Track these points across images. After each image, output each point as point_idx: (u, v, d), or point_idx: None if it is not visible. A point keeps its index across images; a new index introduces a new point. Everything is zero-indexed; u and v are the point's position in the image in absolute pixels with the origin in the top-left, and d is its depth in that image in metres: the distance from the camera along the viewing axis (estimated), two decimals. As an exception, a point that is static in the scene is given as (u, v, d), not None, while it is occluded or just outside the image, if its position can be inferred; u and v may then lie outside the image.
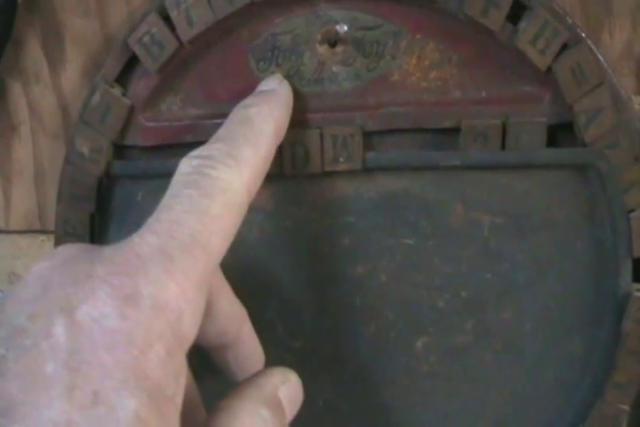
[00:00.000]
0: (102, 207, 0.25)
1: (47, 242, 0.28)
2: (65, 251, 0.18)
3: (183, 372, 0.16)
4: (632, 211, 0.23)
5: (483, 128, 0.23)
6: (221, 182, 0.18)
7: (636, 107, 0.24)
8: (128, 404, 0.14)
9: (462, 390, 0.26)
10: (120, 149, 0.25)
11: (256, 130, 0.20)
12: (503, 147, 0.23)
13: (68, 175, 0.25)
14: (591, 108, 0.22)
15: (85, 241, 0.26)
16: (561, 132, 0.23)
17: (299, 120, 0.23)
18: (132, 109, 0.24)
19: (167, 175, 0.24)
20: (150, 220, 0.18)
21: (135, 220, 0.26)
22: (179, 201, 0.18)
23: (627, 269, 0.24)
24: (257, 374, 0.20)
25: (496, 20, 0.22)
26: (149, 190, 0.25)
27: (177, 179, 0.19)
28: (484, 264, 0.24)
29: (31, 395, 0.14)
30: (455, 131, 0.23)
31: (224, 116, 0.24)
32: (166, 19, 0.23)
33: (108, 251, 0.17)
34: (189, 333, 0.17)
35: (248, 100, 0.22)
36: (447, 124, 0.23)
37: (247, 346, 0.21)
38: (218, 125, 0.24)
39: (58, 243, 0.26)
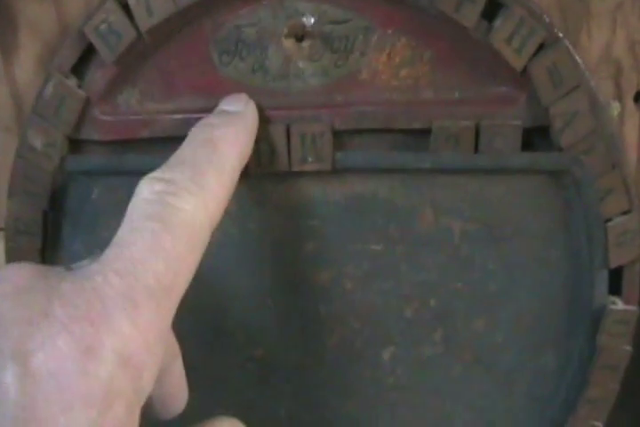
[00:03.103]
0: (56, 204, 0.24)
1: (-1, 240, 0.27)
2: (17, 275, 0.16)
3: (137, 425, 0.15)
4: (609, 220, 0.22)
5: (455, 130, 0.22)
6: (185, 215, 0.17)
7: (614, 112, 0.23)
8: None
9: (430, 403, 0.25)
10: (75, 144, 0.23)
11: (220, 155, 0.19)
12: (476, 150, 0.22)
13: (20, 170, 0.24)
14: (567, 111, 0.21)
15: (38, 239, 0.24)
16: (537, 136, 0.22)
17: (263, 116, 0.22)
18: (87, 102, 0.23)
19: (123, 172, 0.24)
20: (110, 254, 0.16)
21: (90, 218, 0.25)
22: (141, 236, 0.17)
23: (602, 281, 0.23)
24: (205, 425, 0.19)
25: (470, 15, 0.21)
26: (105, 188, 0.24)
27: (137, 205, 0.17)
28: (455, 273, 0.23)
29: None
30: (426, 132, 0.22)
31: (184, 111, 0.23)
32: (125, 7, 0.22)
33: (67, 286, 0.16)
34: (148, 386, 0.16)
35: (212, 120, 0.21)
36: (417, 125, 0.22)
37: (174, 384, 0.20)
38: (177, 121, 0.23)
39: (9, 240, 0.25)
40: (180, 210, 0.17)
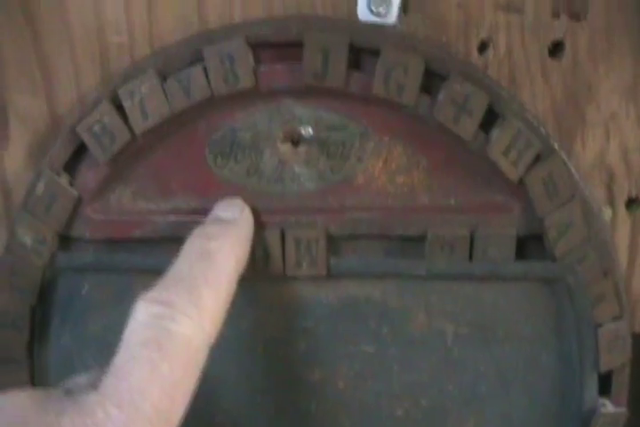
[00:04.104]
0: (44, 299, 0.24)
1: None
2: (12, 406, 0.16)
3: None
4: (600, 325, 0.23)
5: (450, 239, 0.22)
6: (183, 340, 0.17)
7: (607, 218, 0.23)
8: None
9: None
10: (65, 240, 0.23)
11: (217, 268, 0.19)
12: (470, 257, 0.22)
13: (9, 265, 0.23)
14: (562, 222, 0.22)
15: (25, 333, 0.24)
16: (530, 241, 0.22)
17: (258, 221, 0.22)
18: (79, 200, 0.22)
19: (114, 269, 0.23)
20: (109, 385, 0.16)
21: (79, 313, 0.24)
22: (138, 365, 0.17)
23: (592, 384, 0.23)
24: None
25: (468, 128, 0.21)
26: (95, 284, 0.23)
27: (134, 329, 0.17)
28: (446, 374, 0.23)
29: None
30: (422, 238, 0.22)
31: (177, 211, 0.23)
32: (119, 107, 0.21)
33: (67, 422, 0.16)
34: None
35: (208, 230, 0.20)
36: (413, 231, 0.22)
37: None
38: (169, 222, 0.23)
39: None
40: (178, 335, 0.17)
